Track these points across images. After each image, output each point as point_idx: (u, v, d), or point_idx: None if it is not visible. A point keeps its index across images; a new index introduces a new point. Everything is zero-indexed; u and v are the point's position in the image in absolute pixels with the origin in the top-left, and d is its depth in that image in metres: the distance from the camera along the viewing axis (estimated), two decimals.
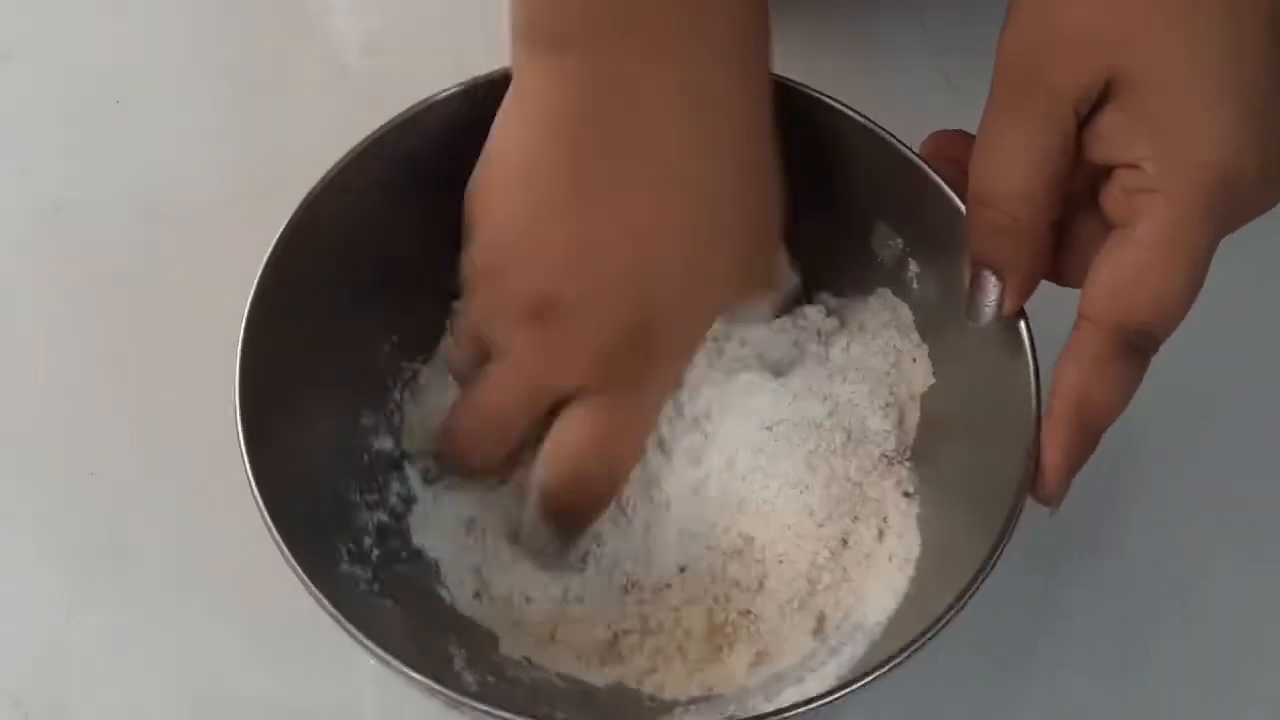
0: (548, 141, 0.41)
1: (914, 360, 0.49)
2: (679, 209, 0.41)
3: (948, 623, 0.39)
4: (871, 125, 0.47)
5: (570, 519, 0.45)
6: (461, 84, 0.46)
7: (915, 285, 0.49)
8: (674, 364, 0.45)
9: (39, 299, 0.56)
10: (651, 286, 0.41)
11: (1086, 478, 0.48)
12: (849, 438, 0.48)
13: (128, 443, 0.53)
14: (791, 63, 0.63)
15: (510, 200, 0.42)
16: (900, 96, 0.61)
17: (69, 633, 0.49)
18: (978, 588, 0.39)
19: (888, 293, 0.50)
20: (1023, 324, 0.43)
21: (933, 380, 0.49)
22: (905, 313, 0.49)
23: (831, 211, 0.49)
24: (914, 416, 0.49)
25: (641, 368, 0.43)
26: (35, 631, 0.49)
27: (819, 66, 0.62)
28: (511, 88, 0.42)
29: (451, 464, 0.47)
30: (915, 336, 0.49)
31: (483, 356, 0.44)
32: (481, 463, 0.46)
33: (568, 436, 0.43)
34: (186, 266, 0.56)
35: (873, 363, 0.49)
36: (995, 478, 0.42)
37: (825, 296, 0.51)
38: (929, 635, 0.39)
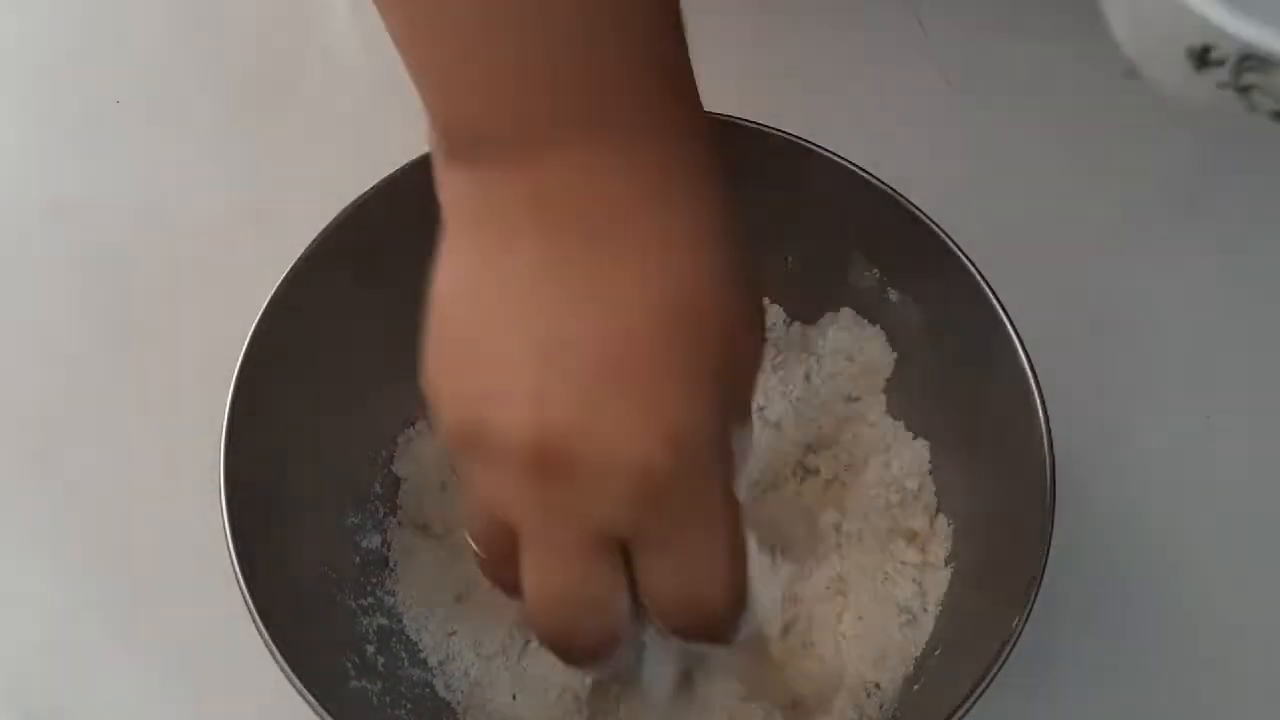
0: (493, 258, 0.34)
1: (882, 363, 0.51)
2: (662, 297, 0.33)
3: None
4: (839, 159, 0.47)
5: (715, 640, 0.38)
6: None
7: (896, 313, 0.49)
8: (724, 483, 0.35)
9: (38, 299, 0.56)
10: (655, 387, 0.33)
11: (1086, 480, 0.48)
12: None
13: (128, 442, 0.53)
14: (790, 64, 0.63)
15: (462, 341, 0.34)
16: (900, 96, 0.62)
17: (69, 633, 0.49)
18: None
19: (851, 313, 0.51)
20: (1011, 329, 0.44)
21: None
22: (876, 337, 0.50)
23: (807, 246, 0.50)
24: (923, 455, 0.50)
25: (692, 484, 0.33)
26: (35, 631, 0.49)
27: (817, 68, 0.63)
28: (446, 223, 0.35)
29: (584, 660, 0.38)
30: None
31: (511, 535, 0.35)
32: (605, 642, 0.36)
33: (664, 594, 0.35)
34: (187, 266, 0.56)
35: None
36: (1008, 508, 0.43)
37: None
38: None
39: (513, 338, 0.33)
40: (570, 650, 0.36)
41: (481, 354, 0.33)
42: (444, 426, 0.34)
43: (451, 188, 0.35)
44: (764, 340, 0.38)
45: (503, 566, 0.35)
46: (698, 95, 0.36)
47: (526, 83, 0.33)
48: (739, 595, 0.35)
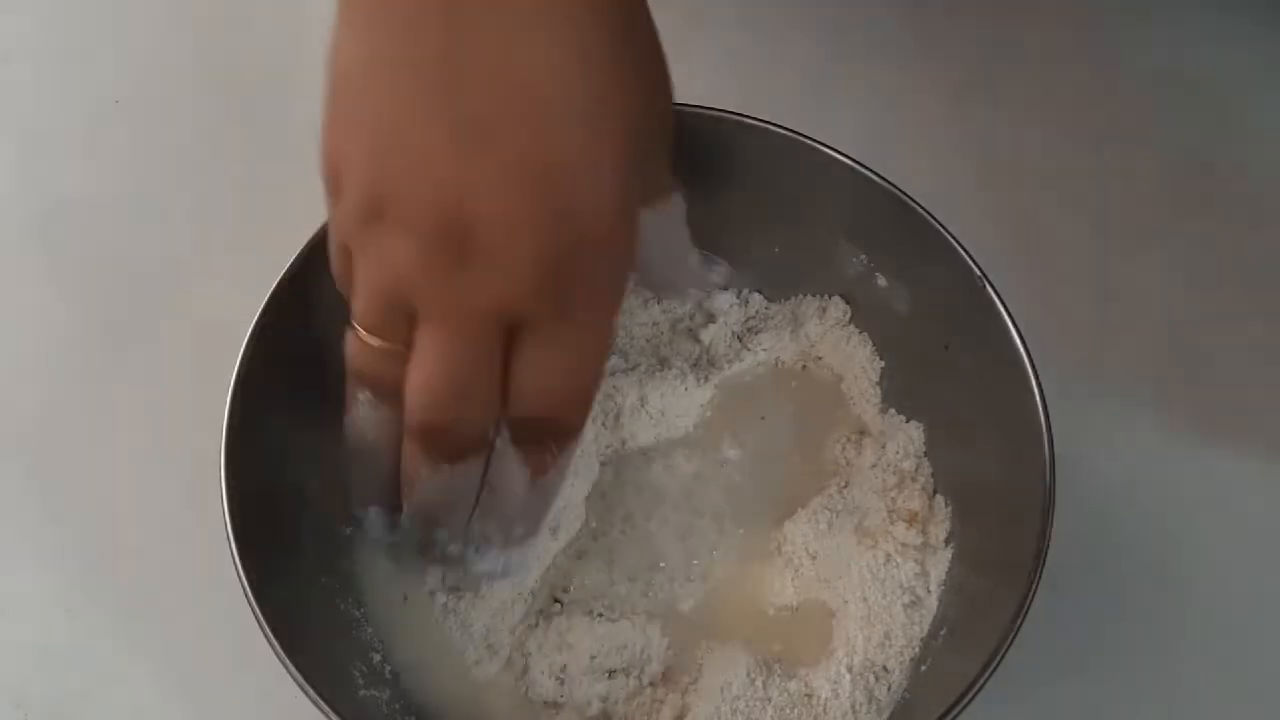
0: (402, 38, 0.33)
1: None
2: (566, 77, 0.34)
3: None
4: (824, 148, 0.47)
5: (540, 460, 0.39)
6: None
7: (884, 297, 0.50)
8: (619, 275, 0.37)
9: (39, 298, 0.56)
10: (557, 166, 0.34)
11: (1088, 483, 0.48)
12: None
13: (127, 442, 0.53)
14: (786, 63, 0.63)
15: (375, 118, 0.34)
16: (900, 95, 0.62)
17: (69, 633, 0.49)
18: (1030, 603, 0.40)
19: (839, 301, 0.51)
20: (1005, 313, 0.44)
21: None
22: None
23: (794, 234, 0.50)
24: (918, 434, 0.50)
25: (587, 274, 0.35)
26: (35, 631, 0.49)
27: (812, 67, 0.63)
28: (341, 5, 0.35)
29: (448, 453, 0.38)
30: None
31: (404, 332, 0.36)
32: (473, 438, 0.37)
33: (533, 371, 0.36)
34: (186, 266, 0.56)
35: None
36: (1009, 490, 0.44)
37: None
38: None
39: (431, 118, 0.33)
40: (441, 440, 0.37)
41: (396, 128, 0.34)
42: (352, 197, 0.35)
43: None
44: (672, 113, 0.39)
45: (389, 359, 0.36)
46: None
47: None
48: (589, 392, 0.38)
